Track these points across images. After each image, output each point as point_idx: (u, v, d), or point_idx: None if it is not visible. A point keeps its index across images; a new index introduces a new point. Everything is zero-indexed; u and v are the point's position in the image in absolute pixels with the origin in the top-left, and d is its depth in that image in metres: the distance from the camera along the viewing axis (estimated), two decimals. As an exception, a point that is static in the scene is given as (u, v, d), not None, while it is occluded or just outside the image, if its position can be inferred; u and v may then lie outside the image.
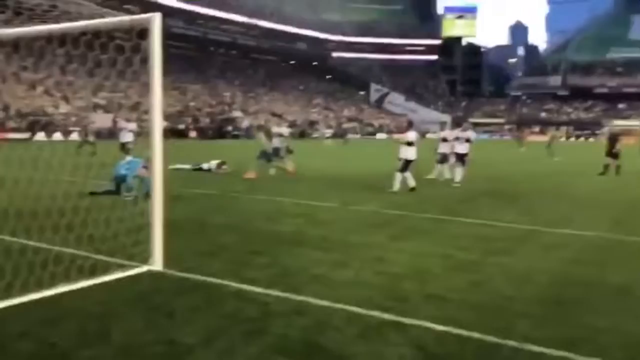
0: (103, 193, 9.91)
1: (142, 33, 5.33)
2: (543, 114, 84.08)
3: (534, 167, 22.43)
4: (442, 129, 16.65)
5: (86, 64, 6.15)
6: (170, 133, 32.32)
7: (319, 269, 5.70)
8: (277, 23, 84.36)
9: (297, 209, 9.79)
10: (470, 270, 5.80)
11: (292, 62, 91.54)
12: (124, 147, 16.53)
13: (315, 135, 57.98)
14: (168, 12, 63.74)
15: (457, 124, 22.97)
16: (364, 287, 5.10)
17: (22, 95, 44.25)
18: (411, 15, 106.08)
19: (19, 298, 4.31)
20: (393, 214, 9.48)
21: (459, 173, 14.31)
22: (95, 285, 4.83)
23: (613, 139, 19.12)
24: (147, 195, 8.36)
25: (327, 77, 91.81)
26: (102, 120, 41.26)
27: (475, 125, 76.48)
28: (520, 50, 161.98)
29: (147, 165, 9.70)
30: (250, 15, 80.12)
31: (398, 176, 12.35)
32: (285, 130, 18.13)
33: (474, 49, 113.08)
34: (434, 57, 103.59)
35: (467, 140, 14.59)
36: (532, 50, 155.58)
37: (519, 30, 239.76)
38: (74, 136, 35.92)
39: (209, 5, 74.26)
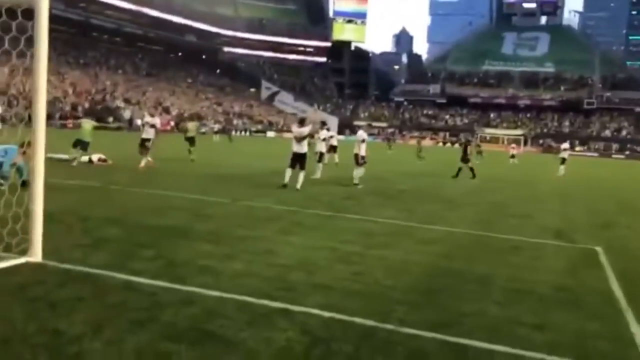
0: None
1: (26, 13, 5.07)
2: (423, 120, 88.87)
3: (405, 168, 23.92)
4: (321, 129, 17.32)
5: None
6: (46, 120, 30.19)
7: (207, 261, 5.75)
8: (166, 13, 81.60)
9: (185, 203, 9.68)
10: (353, 262, 6.15)
11: (180, 53, 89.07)
12: None
13: (202, 130, 56.89)
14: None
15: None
16: (253, 278, 5.23)
17: None
18: (303, 16, 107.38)
19: None
20: (282, 209, 9.69)
21: (358, 173, 14.63)
22: (-34, 277, 4.54)
23: (465, 146, 20.84)
24: (24, 183, 7.87)
25: (217, 71, 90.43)
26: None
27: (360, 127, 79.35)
28: (405, 58, 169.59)
29: (25, 151, 9.11)
30: (137, 3, 76.80)
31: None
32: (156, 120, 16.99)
33: (362, 54, 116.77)
34: (324, 59, 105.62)
35: (363, 141, 14.86)
36: (415, 58, 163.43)
37: (404, 39, 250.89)
38: None
39: (92, -12, 70.36)
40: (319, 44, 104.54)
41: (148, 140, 15.57)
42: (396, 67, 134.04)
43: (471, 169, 19.57)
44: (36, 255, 5.17)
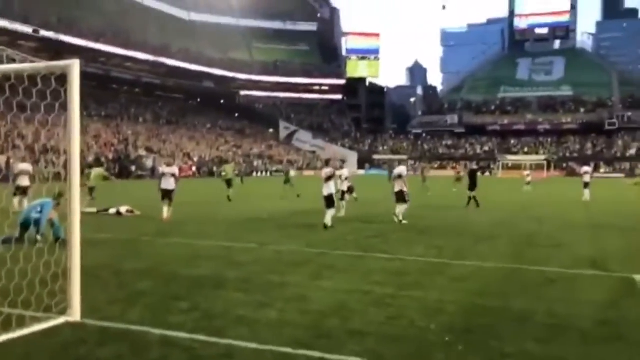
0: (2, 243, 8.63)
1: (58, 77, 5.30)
2: (442, 150, 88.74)
3: (423, 201, 23.57)
4: (341, 167, 17.43)
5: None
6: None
7: (241, 310, 5.77)
8: (183, 61, 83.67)
9: (213, 251, 9.76)
10: (387, 305, 6.10)
11: (199, 99, 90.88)
12: (19, 190, 15.55)
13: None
14: (68, 50, 61.76)
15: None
16: (289, 327, 5.23)
17: None
18: (316, 56, 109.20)
19: None
20: (310, 252, 9.69)
21: (401, 210, 14.49)
22: (11, 340, 4.62)
23: (472, 174, 20.68)
24: (59, 241, 8.01)
25: (236, 114, 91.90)
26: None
27: (382, 161, 79.15)
28: (420, 90, 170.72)
29: (59, 202, 9.25)
30: (155, 53, 78.96)
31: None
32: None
33: (376, 89, 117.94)
34: (339, 96, 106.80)
35: (400, 177, 14.67)
36: (430, 90, 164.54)
37: (417, 71, 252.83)
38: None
39: (112, 43, 72.43)
40: (333, 81, 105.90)
41: (172, 190, 15.17)
42: (412, 99, 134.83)
43: (474, 198, 19.51)
44: (75, 314, 5.25)
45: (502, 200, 25.36)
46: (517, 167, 71.51)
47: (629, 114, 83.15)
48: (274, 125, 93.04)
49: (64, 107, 5.28)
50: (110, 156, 53.38)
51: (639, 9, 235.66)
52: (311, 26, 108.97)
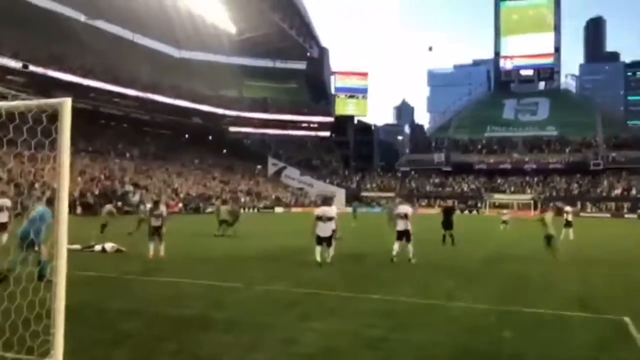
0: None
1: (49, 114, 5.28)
2: (430, 188, 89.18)
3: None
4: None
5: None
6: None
7: (229, 354, 5.64)
8: (173, 98, 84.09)
9: (200, 291, 9.60)
10: (378, 348, 6.01)
11: (187, 135, 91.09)
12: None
13: (209, 209, 57.10)
14: (57, 85, 61.93)
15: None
16: (278, 371, 5.11)
17: None
18: (305, 94, 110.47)
19: None
20: (299, 292, 9.57)
21: (411, 250, 14.23)
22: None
23: (447, 211, 20.79)
24: (44, 280, 7.79)
25: (224, 150, 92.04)
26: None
27: (369, 199, 79.20)
28: (407, 129, 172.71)
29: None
30: (144, 90, 79.37)
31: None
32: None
33: (365, 127, 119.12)
34: (328, 133, 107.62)
35: (405, 216, 14.32)
36: (418, 128, 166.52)
37: (405, 110, 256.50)
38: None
39: (101, 79, 72.76)
40: (322, 119, 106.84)
41: (160, 227, 15.04)
42: (400, 137, 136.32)
43: (451, 235, 19.65)
44: (58, 356, 5.09)
45: (487, 237, 25.38)
46: (504, 205, 72.00)
47: (613, 154, 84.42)
48: (262, 162, 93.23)
49: (53, 144, 5.25)
50: (97, 191, 52.95)
51: (620, 53, 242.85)
52: (301, 65, 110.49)
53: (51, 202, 9.99)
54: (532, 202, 73.29)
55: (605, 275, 12.77)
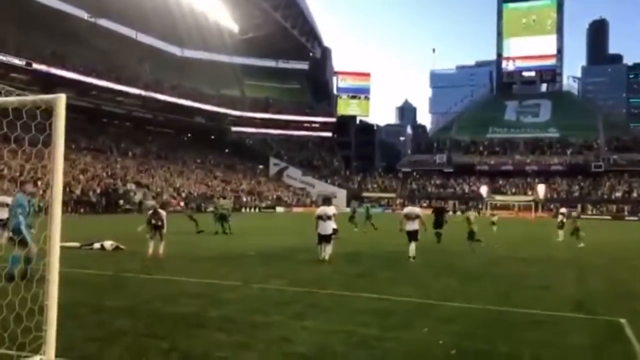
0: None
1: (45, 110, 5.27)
2: (431, 189, 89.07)
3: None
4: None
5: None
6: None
7: (222, 352, 5.63)
8: (175, 97, 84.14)
9: (197, 289, 9.60)
10: (372, 347, 5.99)
11: (189, 135, 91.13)
12: None
13: (211, 209, 57.12)
14: (60, 83, 61.97)
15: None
16: (270, 369, 5.10)
17: None
18: (308, 94, 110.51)
19: None
20: (295, 291, 9.56)
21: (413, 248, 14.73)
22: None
23: (438, 212, 21.42)
24: (26, 272, 7.57)
25: (226, 150, 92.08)
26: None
27: (370, 199, 79.18)
28: (409, 129, 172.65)
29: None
30: (147, 88, 79.43)
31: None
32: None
33: (367, 127, 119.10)
34: (329, 133, 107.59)
35: (417, 217, 14.90)
36: (420, 129, 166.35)
37: (407, 110, 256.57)
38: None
39: (103, 78, 72.80)
40: (324, 119, 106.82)
41: (161, 227, 15.03)
42: (401, 138, 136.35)
43: (438, 234, 20.30)
44: (49, 353, 5.08)
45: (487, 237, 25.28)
46: (505, 207, 71.95)
47: (615, 156, 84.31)
48: (263, 162, 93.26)
49: (49, 140, 5.25)
50: (98, 190, 52.99)
51: (623, 55, 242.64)
52: (303, 65, 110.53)
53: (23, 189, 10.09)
54: (533, 203, 73.15)
55: (602, 279, 12.73)
